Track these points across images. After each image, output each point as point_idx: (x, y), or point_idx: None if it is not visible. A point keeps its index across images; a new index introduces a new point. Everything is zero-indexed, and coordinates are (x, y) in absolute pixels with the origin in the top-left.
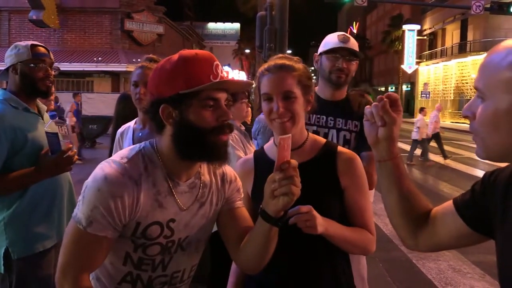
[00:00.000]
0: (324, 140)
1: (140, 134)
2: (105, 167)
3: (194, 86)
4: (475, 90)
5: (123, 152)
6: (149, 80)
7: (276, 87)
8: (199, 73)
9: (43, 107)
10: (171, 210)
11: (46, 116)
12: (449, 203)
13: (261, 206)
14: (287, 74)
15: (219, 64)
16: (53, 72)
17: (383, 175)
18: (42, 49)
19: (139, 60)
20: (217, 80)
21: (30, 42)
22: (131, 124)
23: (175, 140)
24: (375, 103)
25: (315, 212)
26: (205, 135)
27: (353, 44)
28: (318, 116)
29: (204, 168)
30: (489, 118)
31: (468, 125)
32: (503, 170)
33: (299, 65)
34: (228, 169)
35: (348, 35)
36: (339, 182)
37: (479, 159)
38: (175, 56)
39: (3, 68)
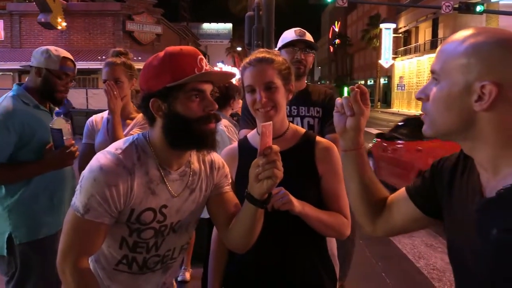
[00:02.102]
0: (303, 130)
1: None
2: (101, 158)
3: (180, 79)
4: None
5: (118, 143)
6: (140, 77)
7: (258, 78)
8: (184, 66)
9: None
10: (163, 197)
11: None
12: (402, 190)
13: (246, 190)
14: (267, 66)
15: (203, 58)
16: (71, 84)
17: (348, 164)
18: (71, 64)
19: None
20: (201, 72)
21: (62, 54)
22: (104, 114)
23: (165, 130)
24: (345, 95)
25: (286, 191)
26: (192, 124)
27: (309, 37)
28: None
29: (193, 157)
30: (443, 98)
31: None
32: (448, 157)
33: (278, 58)
34: (216, 157)
35: (304, 30)
36: (316, 169)
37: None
38: (162, 53)
39: (14, 67)
